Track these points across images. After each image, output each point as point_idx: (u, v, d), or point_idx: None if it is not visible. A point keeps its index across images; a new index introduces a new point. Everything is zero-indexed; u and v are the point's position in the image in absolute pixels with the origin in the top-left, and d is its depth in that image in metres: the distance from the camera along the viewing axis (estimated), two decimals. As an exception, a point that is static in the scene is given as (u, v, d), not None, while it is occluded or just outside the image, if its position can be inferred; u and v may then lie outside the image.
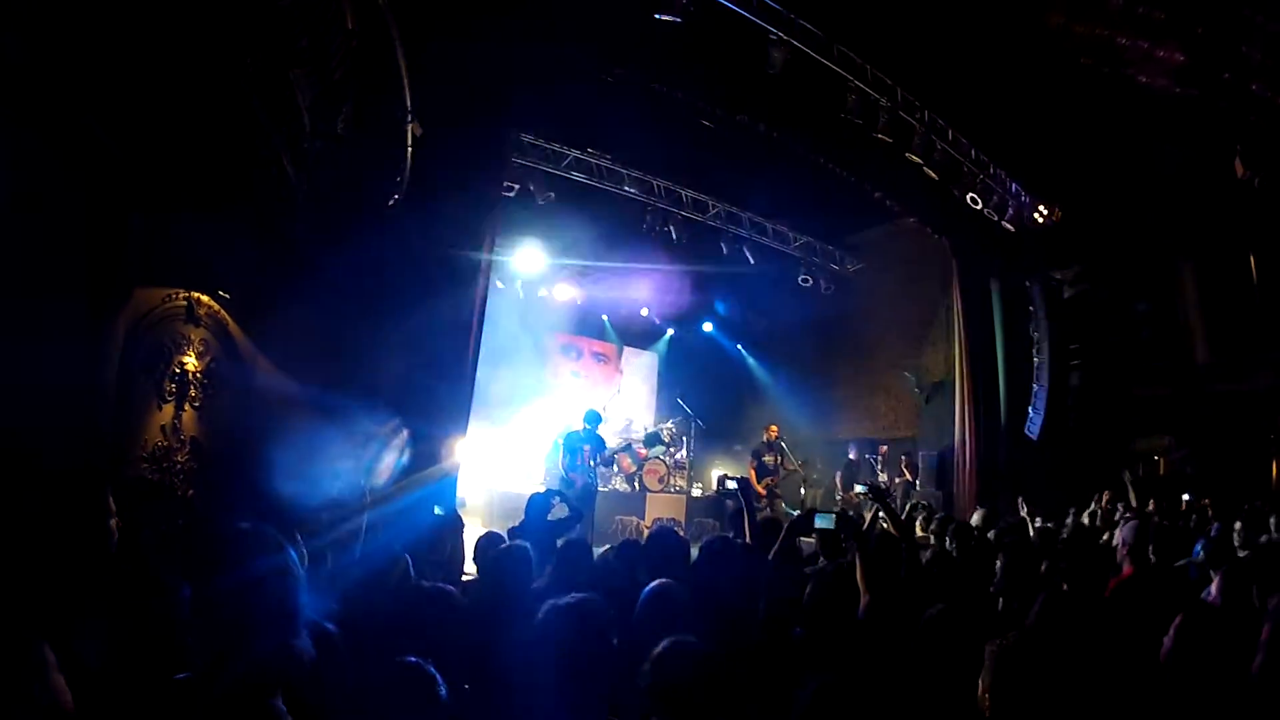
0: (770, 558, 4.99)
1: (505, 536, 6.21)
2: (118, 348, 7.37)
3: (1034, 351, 14.51)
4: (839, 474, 16.17)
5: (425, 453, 9.09)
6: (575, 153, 14.48)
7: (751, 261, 17.63)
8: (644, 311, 19.82)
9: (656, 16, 9.55)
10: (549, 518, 6.81)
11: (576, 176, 14.70)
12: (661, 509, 14.99)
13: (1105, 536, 7.83)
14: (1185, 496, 10.73)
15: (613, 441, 15.88)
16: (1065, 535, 8.32)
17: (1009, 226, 14.03)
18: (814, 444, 17.90)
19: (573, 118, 13.46)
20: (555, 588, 4.78)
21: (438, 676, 2.78)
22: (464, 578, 6.21)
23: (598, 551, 6.40)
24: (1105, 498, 9.88)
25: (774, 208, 17.16)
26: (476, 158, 10.01)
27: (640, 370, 20.80)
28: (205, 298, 8.15)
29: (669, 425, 18.10)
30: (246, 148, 7.61)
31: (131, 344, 7.51)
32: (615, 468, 15.24)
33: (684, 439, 18.08)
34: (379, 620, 3.64)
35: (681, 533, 10.50)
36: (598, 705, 3.17)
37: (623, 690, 3.12)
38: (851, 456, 16.30)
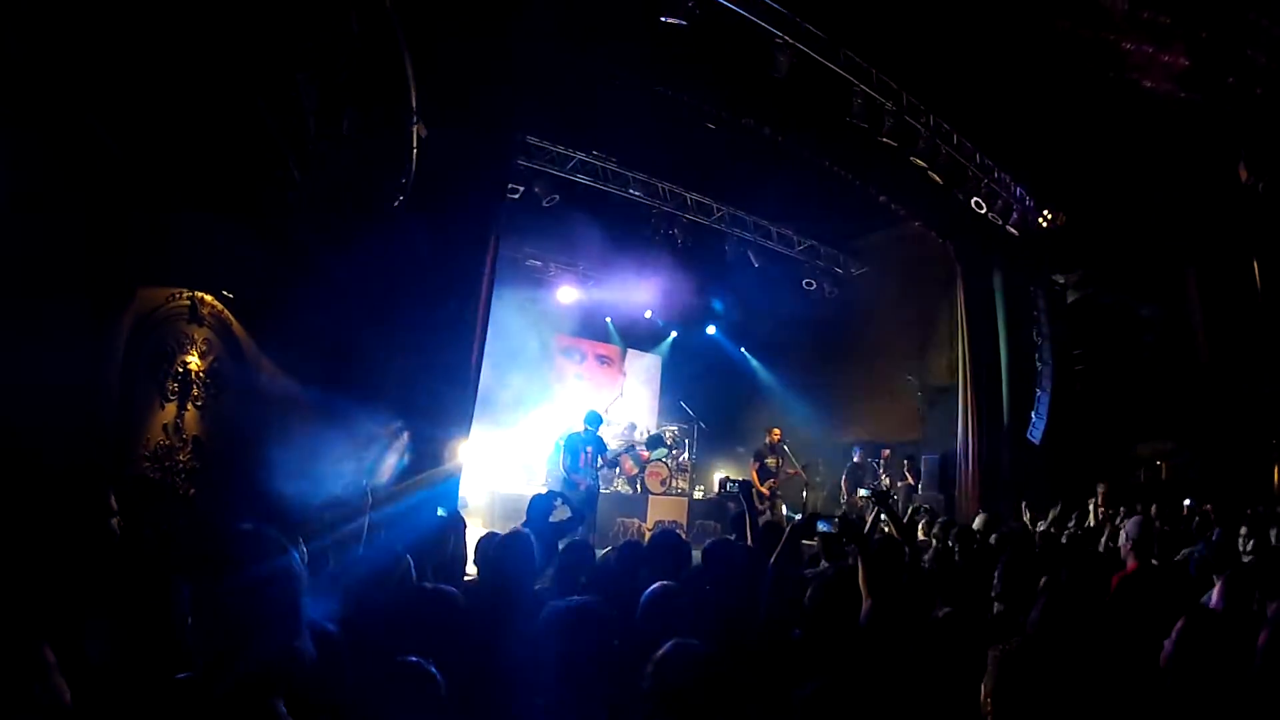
0: (772, 561, 4.98)
1: (506, 538, 6.20)
2: (121, 347, 7.38)
3: (1037, 356, 14.50)
4: (844, 478, 16.14)
5: (428, 454, 9.09)
6: (580, 155, 14.49)
7: (755, 264, 17.65)
8: (647, 314, 19.79)
9: (662, 20, 9.56)
10: (550, 519, 6.82)
11: (581, 179, 14.72)
12: (663, 511, 14.97)
13: (1105, 540, 7.83)
14: (1187, 502, 10.73)
15: (615, 444, 15.88)
16: (1065, 539, 8.32)
17: (1013, 231, 14.03)
18: (817, 447, 17.87)
19: (577, 120, 13.46)
20: (557, 589, 4.79)
21: (439, 676, 2.79)
22: (465, 578, 6.20)
23: (599, 553, 6.40)
24: (1100, 497, 9.88)
25: (778, 211, 17.18)
26: (481, 160, 10.00)
27: (643, 373, 20.78)
28: (209, 297, 8.15)
29: (671, 428, 18.09)
30: (251, 148, 7.62)
31: (134, 343, 7.52)
32: (618, 470, 15.23)
33: (686, 441, 18.06)
34: (380, 621, 3.64)
35: (683, 535, 10.50)
36: (598, 707, 3.17)
37: (624, 693, 3.11)
38: (856, 460, 16.26)
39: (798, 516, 14.27)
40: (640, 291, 18.03)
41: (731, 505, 12.65)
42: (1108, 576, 5.80)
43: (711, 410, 19.15)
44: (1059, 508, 9.74)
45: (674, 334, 20.82)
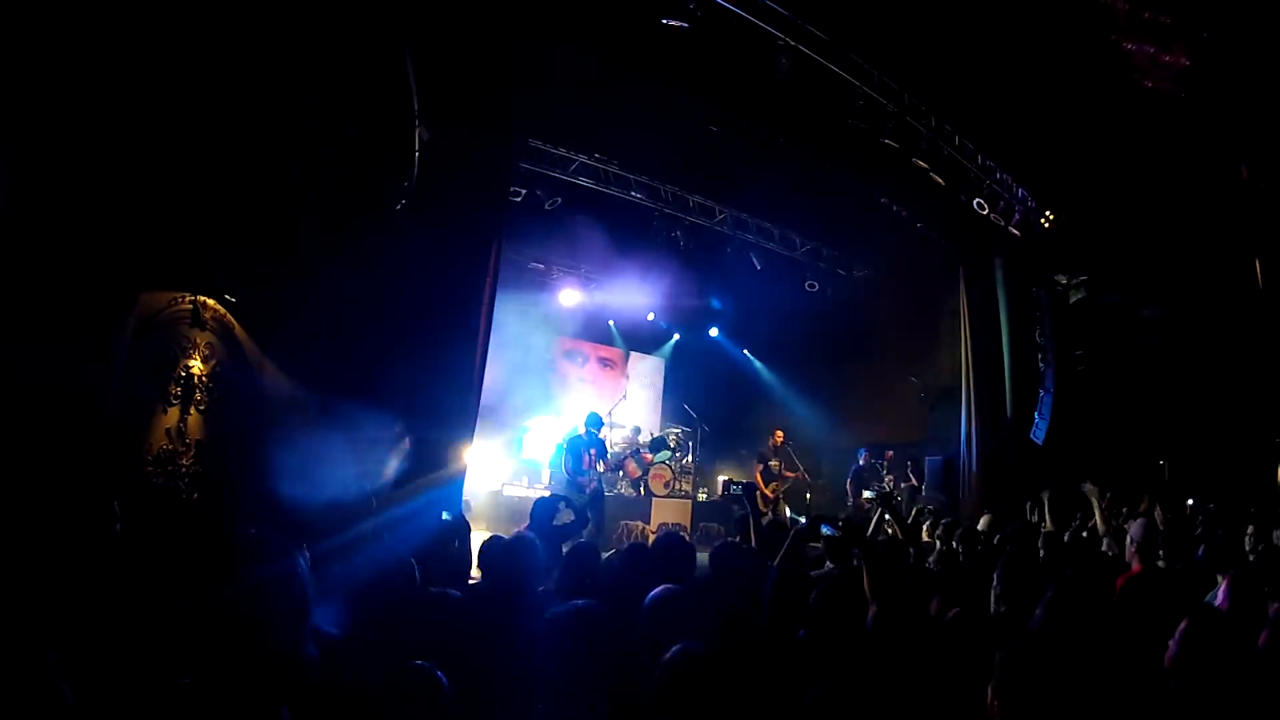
0: (776, 562, 4.97)
1: (510, 542, 6.20)
2: (123, 351, 7.38)
3: (1040, 357, 14.49)
4: (849, 480, 16.10)
5: (431, 457, 9.09)
6: (582, 158, 14.49)
7: (758, 267, 17.64)
8: (650, 316, 19.79)
9: (664, 22, 9.56)
10: (554, 523, 6.81)
11: (583, 182, 14.72)
12: (667, 514, 14.95)
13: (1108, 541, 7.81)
14: (1190, 501, 10.71)
15: (619, 446, 15.89)
16: (1068, 538, 8.30)
17: (1015, 232, 14.02)
18: (820, 449, 17.86)
19: (580, 123, 13.47)
20: (562, 592, 4.78)
21: (443, 680, 2.78)
22: (470, 582, 6.19)
23: (604, 556, 6.39)
24: (1104, 500, 9.85)
25: (780, 213, 17.17)
26: (483, 162, 10.00)
27: (646, 375, 20.77)
28: (211, 301, 8.15)
29: (675, 431, 18.07)
30: (254, 151, 7.63)
31: (137, 347, 7.52)
32: (621, 473, 15.23)
33: (689, 444, 18.05)
34: (386, 625, 3.63)
35: (687, 537, 10.49)
36: (603, 711, 3.16)
37: (628, 696, 3.11)
38: (861, 463, 16.24)
39: (802, 519, 14.26)
40: (643, 294, 18.02)
41: (735, 508, 12.65)
42: (1113, 577, 5.79)
43: (715, 412, 19.15)
44: (1047, 494, 9.61)
45: (676, 336, 20.80)
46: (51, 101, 6.41)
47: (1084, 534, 8.50)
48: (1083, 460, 13.74)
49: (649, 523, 14.44)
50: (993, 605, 4.67)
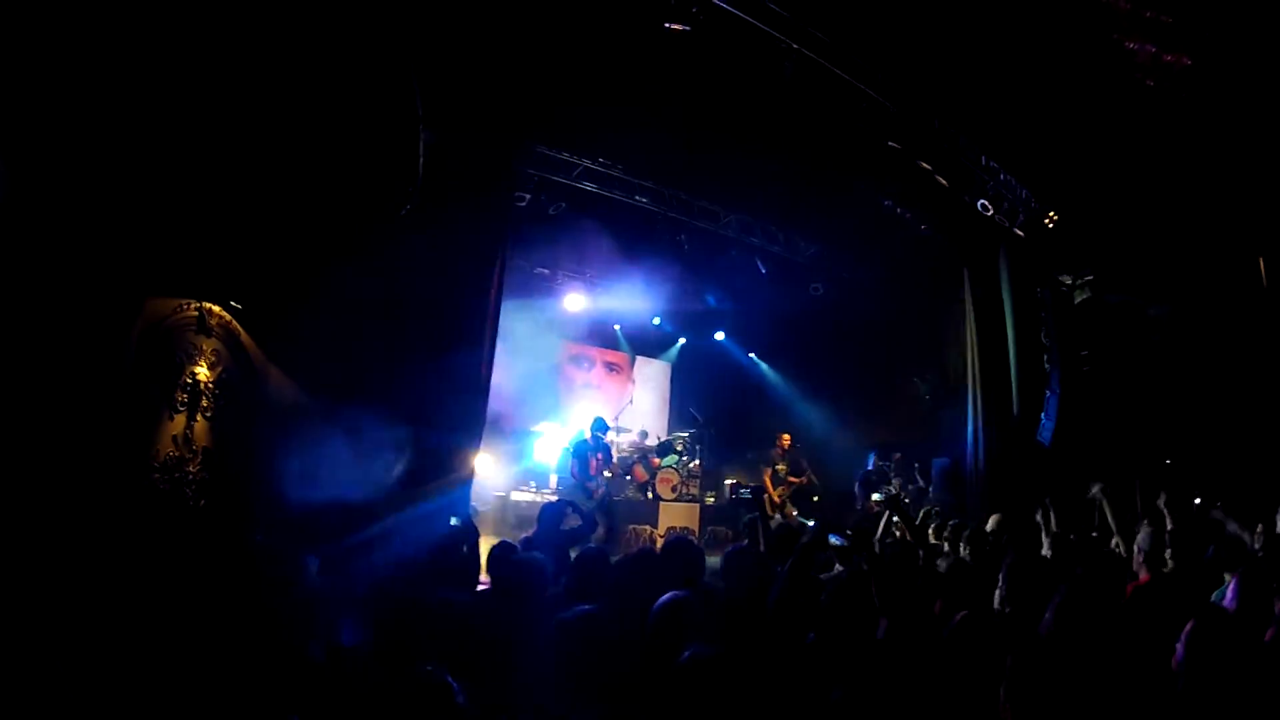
0: (786, 567, 4.96)
1: (519, 547, 6.20)
2: (129, 358, 7.39)
3: (1045, 357, 14.46)
4: (858, 484, 16.06)
5: (439, 463, 9.09)
6: (586, 162, 14.48)
7: (762, 270, 17.63)
8: (655, 321, 19.81)
9: (666, 26, 9.56)
10: (562, 527, 6.81)
11: (587, 186, 14.71)
12: (675, 518, 14.95)
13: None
14: (1197, 501, 10.67)
15: (626, 451, 15.90)
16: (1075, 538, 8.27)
17: (1019, 233, 14.01)
18: (827, 452, 17.82)
19: (584, 127, 13.46)
20: (570, 597, 4.77)
21: (453, 685, 2.77)
22: (479, 587, 6.19)
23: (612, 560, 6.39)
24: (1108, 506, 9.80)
25: (785, 216, 17.15)
26: (488, 167, 10.01)
27: (652, 379, 20.79)
28: (217, 308, 8.17)
29: (682, 434, 18.07)
30: (257, 155, 7.63)
31: (143, 354, 7.53)
32: (629, 477, 15.24)
33: (697, 447, 18.03)
34: (394, 629, 3.63)
35: (696, 541, 10.48)
36: (611, 715, 3.16)
37: (637, 700, 3.10)
38: (870, 466, 16.20)
39: (810, 523, 14.23)
40: (648, 298, 18.02)
41: (744, 512, 12.64)
42: (1122, 579, 5.77)
43: (721, 416, 19.16)
44: (1049, 500, 9.54)
45: (682, 340, 20.82)
46: (55, 107, 6.42)
47: (1093, 534, 8.48)
48: (1089, 460, 13.72)
49: (657, 527, 14.44)
50: (997, 604, 4.67)
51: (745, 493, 15.58)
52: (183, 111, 7.14)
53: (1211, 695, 3.03)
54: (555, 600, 4.76)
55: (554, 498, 11.68)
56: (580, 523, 7.30)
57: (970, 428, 14.57)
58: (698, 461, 17.79)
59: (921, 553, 5.55)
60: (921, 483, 15.76)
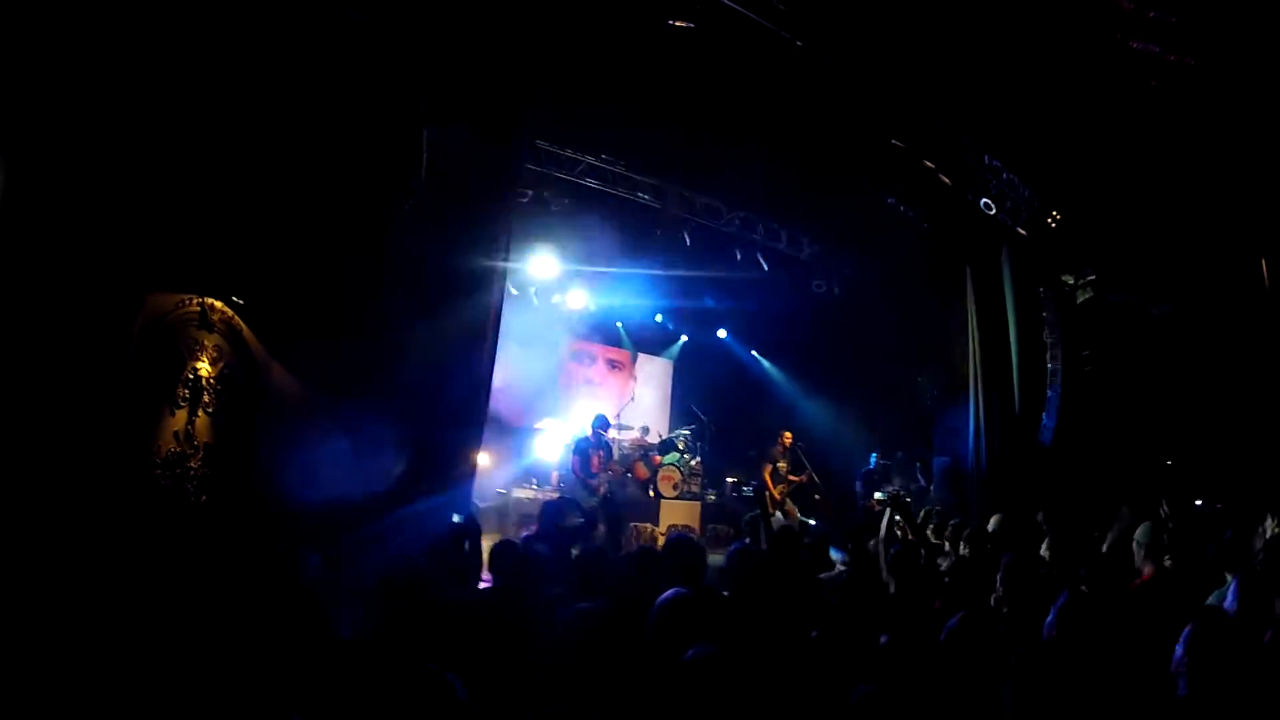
0: (790, 568, 4.97)
1: (520, 544, 6.20)
2: (130, 353, 7.38)
3: (1047, 357, 14.47)
4: (859, 482, 16.05)
5: (441, 460, 9.09)
6: (589, 159, 14.46)
7: (765, 267, 17.62)
8: (658, 318, 19.81)
9: (670, 23, 9.55)
10: (563, 525, 6.82)
11: (590, 183, 14.69)
12: (676, 516, 14.94)
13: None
14: (1198, 502, 10.67)
15: (627, 448, 15.89)
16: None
17: (1022, 232, 14.01)
18: (829, 450, 17.78)
19: (587, 124, 13.45)
20: (572, 595, 4.78)
21: (457, 683, 2.77)
22: (481, 585, 6.19)
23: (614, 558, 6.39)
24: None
25: (787, 214, 17.14)
26: (491, 164, 10.00)
27: (654, 376, 20.77)
28: (219, 303, 8.16)
29: (684, 432, 18.05)
30: (260, 152, 7.64)
31: (144, 350, 7.52)
32: (630, 474, 15.23)
33: (698, 445, 18.01)
34: (396, 627, 3.63)
35: (697, 539, 10.48)
36: (614, 713, 3.15)
37: (639, 698, 3.10)
38: (872, 464, 16.18)
39: (811, 522, 14.24)
40: (650, 295, 18.01)
41: (745, 510, 12.64)
42: (1125, 582, 5.77)
43: (723, 414, 19.12)
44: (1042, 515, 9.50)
45: (684, 338, 20.80)
46: (57, 103, 6.42)
47: (1094, 534, 8.47)
48: (1091, 461, 13.73)
49: (658, 525, 14.44)
50: (993, 604, 4.67)
51: (746, 491, 15.58)
52: (184, 107, 7.13)
53: (1212, 697, 3.02)
54: (557, 598, 4.76)
55: (555, 495, 11.68)
56: (581, 520, 7.30)
57: (972, 427, 14.56)
58: (699, 459, 17.77)
59: (923, 552, 5.54)
60: (923, 482, 15.76)
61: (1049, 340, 14.49)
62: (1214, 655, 3.05)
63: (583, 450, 12.26)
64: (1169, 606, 4.48)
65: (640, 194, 15.29)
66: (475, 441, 9.77)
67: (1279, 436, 12.47)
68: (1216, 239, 13.25)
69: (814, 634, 4.19)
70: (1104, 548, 7.24)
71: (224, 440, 8.12)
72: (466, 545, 6.49)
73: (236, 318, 8.34)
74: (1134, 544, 6.16)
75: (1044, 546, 7.27)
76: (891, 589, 5.48)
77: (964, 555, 7.01)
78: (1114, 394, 14.72)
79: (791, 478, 14.71)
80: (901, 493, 14.27)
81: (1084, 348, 14.79)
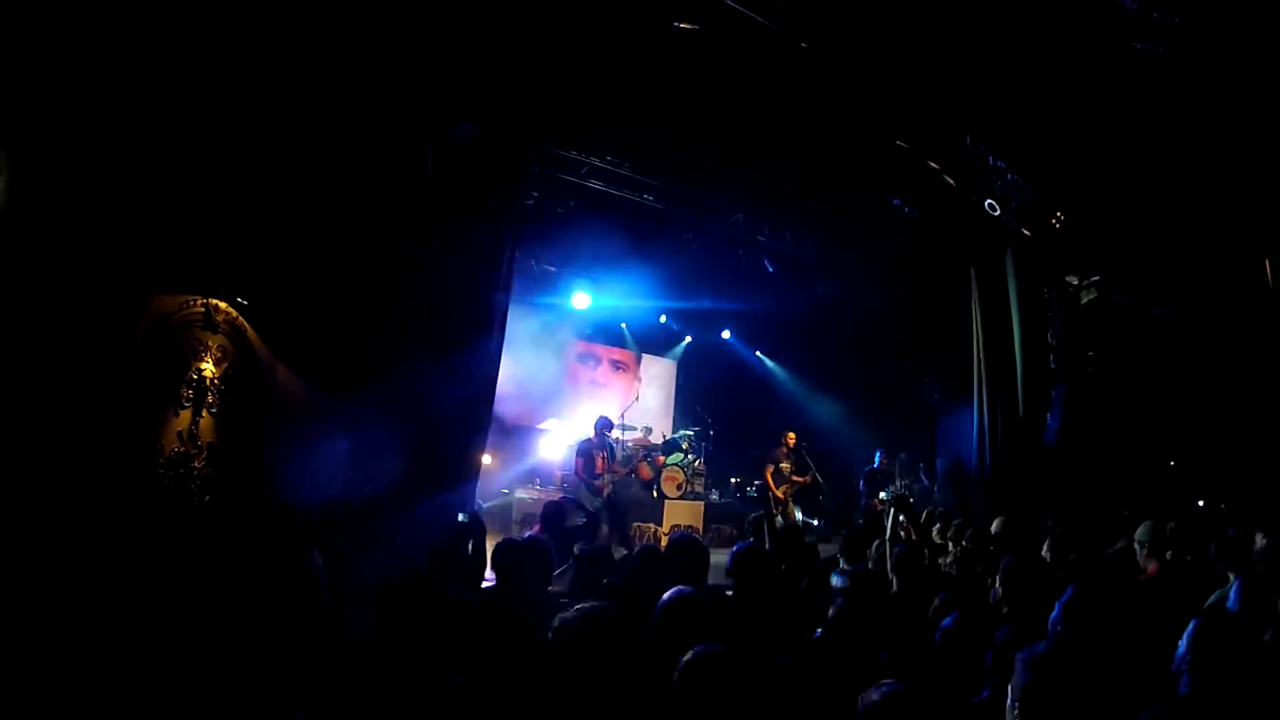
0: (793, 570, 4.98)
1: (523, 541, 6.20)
2: (135, 354, 7.40)
3: (1052, 357, 14.47)
4: (862, 482, 16.05)
5: (445, 460, 9.09)
6: (594, 160, 14.46)
7: (770, 269, 17.61)
8: (662, 319, 19.83)
9: (675, 24, 9.56)
10: (566, 525, 6.82)
11: (595, 185, 14.69)
12: (679, 516, 14.94)
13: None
14: (1200, 502, 10.68)
15: (631, 449, 15.90)
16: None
17: (1026, 233, 14.00)
18: (833, 450, 17.81)
19: (592, 126, 13.45)
20: (574, 595, 4.78)
21: (459, 681, 2.78)
22: (484, 584, 6.20)
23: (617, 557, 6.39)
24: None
25: (792, 215, 17.13)
26: (497, 166, 10.01)
27: (658, 377, 20.78)
28: (223, 304, 8.16)
29: (688, 432, 18.05)
30: (266, 153, 7.65)
31: (148, 350, 7.54)
32: (633, 475, 15.23)
33: (702, 445, 18.02)
34: (400, 627, 3.63)
35: (700, 539, 10.49)
36: (617, 713, 3.16)
37: (641, 698, 3.10)
38: (876, 464, 16.18)
39: (815, 522, 14.22)
40: (655, 296, 18.02)
41: (748, 510, 12.64)
42: (1130, 577, 5.77)
43: (727, 414, 19.15)
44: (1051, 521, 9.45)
45: (688, 339, 20.82)
46: (61, 104, 6.44)
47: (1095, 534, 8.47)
48: (1094, 461, 13.73)
49: (661, 525, 14.44)
50: (991, 600, 4.68)
51: (750, 491, 15.57)
52: (189, 109, 7.15)
53: (1214, 695, 3.02)
54: (560, 598, 4.76)
55: (559, 495, 11.68)
56: (583, 520, 7.31)
57: (976, 427, 14.57)
58: (703, 460, 17.77)
59: (926, 551, 5.55)
60: (926, 482, 15.78)
61: (1053, 341, 14.49)
62: (1217, 654, 3.05)
63: (586, 451, 12.26)
64: (1172, 603, 4.49)
65: (645, 195, 15.29)
66: (480, 442, 9.77)
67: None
68: (1220, 240, 13.24)
69: (818, 634, 4.19)
70: (1110, 551, 7.25)
71: (228, 440, 8.12)
72: (470, 545, 6.49)
73: (241, 319, 8.34)
74: (1135, 543, 6.17)
75: (1045, 548, 7.28)
76: (894, 588, 5.50)
77: (966, 548, 7.03)
78: (1117, 395, 14.72)
79: (795, 478, 14.70)
80: (905, 493, 14.28)
81: (1088, 348, 14.79)
